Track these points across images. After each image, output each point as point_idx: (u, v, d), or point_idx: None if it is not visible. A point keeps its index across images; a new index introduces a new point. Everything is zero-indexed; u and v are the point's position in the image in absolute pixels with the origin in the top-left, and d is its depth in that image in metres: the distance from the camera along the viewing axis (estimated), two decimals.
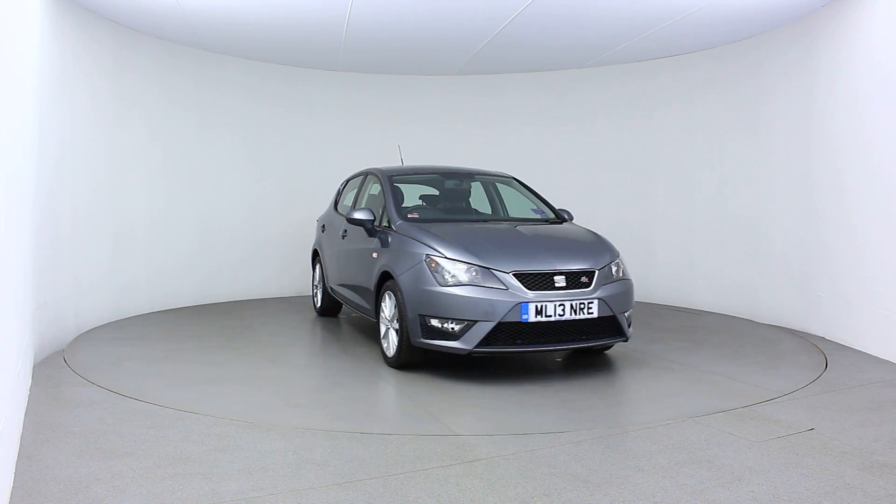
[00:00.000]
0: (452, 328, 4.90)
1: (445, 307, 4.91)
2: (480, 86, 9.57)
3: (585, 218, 8.96)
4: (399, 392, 4.84)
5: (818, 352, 5.96)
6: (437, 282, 4.99)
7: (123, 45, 7.30)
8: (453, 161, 8.65)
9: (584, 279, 5.11)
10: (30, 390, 4.60)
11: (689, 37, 7.56)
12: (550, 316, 4.88)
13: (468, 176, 6.79)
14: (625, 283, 5.39)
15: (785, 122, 7.17)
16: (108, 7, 6.64)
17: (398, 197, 6.20)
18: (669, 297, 8.64)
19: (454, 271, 4.98)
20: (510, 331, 4.87)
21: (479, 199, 6.84)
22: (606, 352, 5.91)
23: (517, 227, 5.78)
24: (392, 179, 6.40)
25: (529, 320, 4.84)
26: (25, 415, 4.09)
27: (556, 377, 5.25)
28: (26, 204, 4.47)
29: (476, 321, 4.83)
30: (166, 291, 7.91)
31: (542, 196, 6.71)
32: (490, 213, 6.69)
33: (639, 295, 8.86)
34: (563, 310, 4.91)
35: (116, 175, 7.20)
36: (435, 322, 4.95)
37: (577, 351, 5.88)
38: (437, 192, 6.74)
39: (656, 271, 8.82)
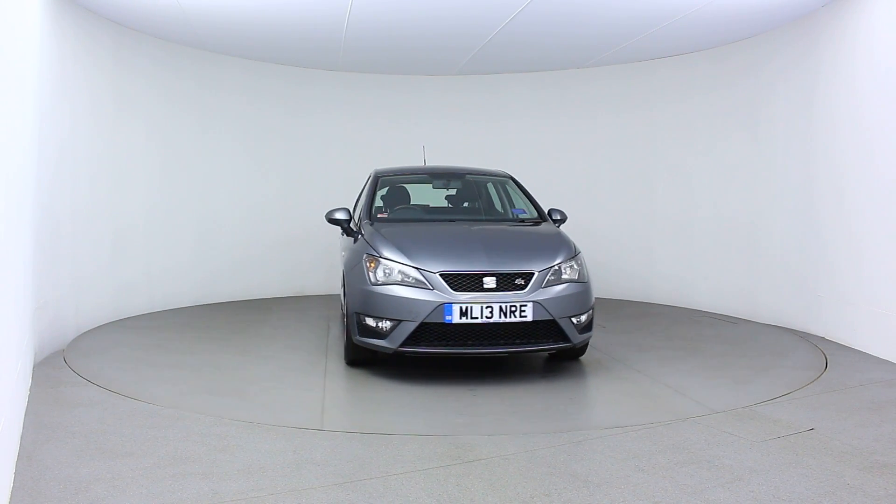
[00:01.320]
0: (383, 327, 4.89)
1: (375, 306, 4.94)
2: (480, 86, 9.57)
3: (585, 218, 8.98)
4: (320, 389, 4.89)
5: (818, 352, 5.96)
6: (370, 281, 5.02)
7: (123, 45, 7.29)
8: (453, 161, 8.64)
9: (518, 281, 4.90)
10: (30, 390, 4.60)
11: (688, 37, 7.56)
12: (477, 318, 4.75)
13: (459, 176, 6.77)
14: (577, 285, 5.13)
15: (785, 122, 7.17)
16: (108, 7, 6.64)
17: (372, 197, 6.18)
18: (669, 298, 8.64)
19: (387, 271, 4.99)
20: (436, 332, 4.81)
21: (469, 199, 6.81)
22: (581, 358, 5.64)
23: (476, 228, 5.70)
24: (379, 179, 6.43)
25: (454, 321, 4.75)
26: (25, 415, 4.09)
27: (490, 379, 5.24)
28: (26, 204, 4.47)
29: (401, 321, 4.81)
30: (166, 291, 7.91)
31: (532, 196, 6.54)
32: (471, 212, 6.57)
33: (639, 295, 8.93)
34: (492, 312, 4.77)
35: (116, 175, 7.20)
36: (369, 321, 4.97)
37: (553, 356, 5.65)
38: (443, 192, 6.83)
39: (656, 271, 8.82)
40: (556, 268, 5.09)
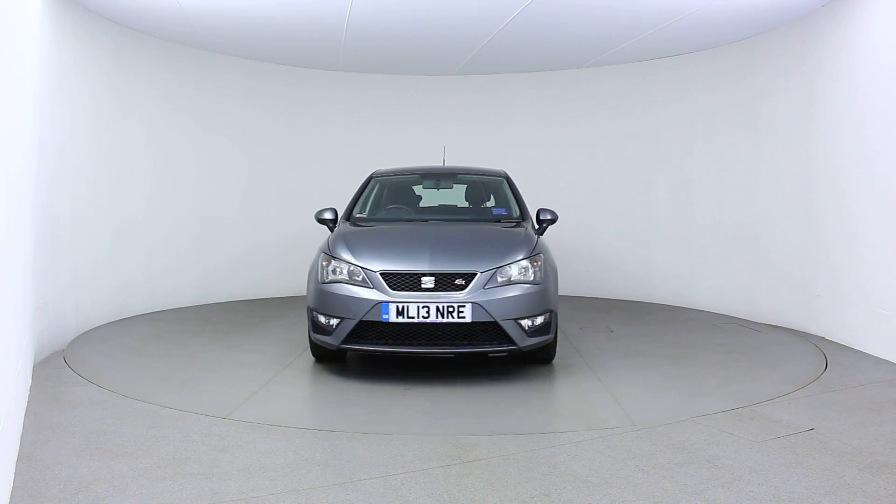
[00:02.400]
0: (331, 324, 5.00)
1: (323, 303, 5.06)
2: (480, 86, 9.57)
3: (585, 217, 8.99)
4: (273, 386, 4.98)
5: (818, 352, 5.96)
6: (320, 278, 5.15)
7: (123, 45, 7.29)
8: (453, 161, 8.64)
9: (458, 282, 4.86)
10: (30, 390, 4.60)
11: (688, 37, 7.56)
12: (413, 318, 4.77)
13: (451, 176, 6.76)
14: (529, 287, 4.98)
15: (785, 122, 7.17)
16: (108, 7, 6.64)
17: (357, 198, 6.32)
18: (669, 298, 8.64)
19: (337, 269, 5.10)
20: (375, 330, 4.87)
21: (456, 199, 6.76)
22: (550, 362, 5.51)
23: (441, 228, 5.66)
24: (372, 180, 6.56)
25: (391, 320, 4.79)
26: (25, 415, 4.09)
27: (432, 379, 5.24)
28: (26, 204, 4.47)
29: (343, 318, 4.91)
30: (166, 291, 7.91)
31: (520, 196, 6.36)
32: (454, 212, 6.47)
33: (639, 295, 8.93)
34: (429, 312, 4.76)
35: (116, 175, 7.20)
36: (321, 318, 5.08)
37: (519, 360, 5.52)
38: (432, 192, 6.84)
39: (656, 271, 8.82)
40: (506, 268, 4.99)
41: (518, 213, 6.12)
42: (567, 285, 7.59)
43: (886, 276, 5.70)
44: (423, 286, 4.84)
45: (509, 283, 4.96)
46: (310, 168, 9.25)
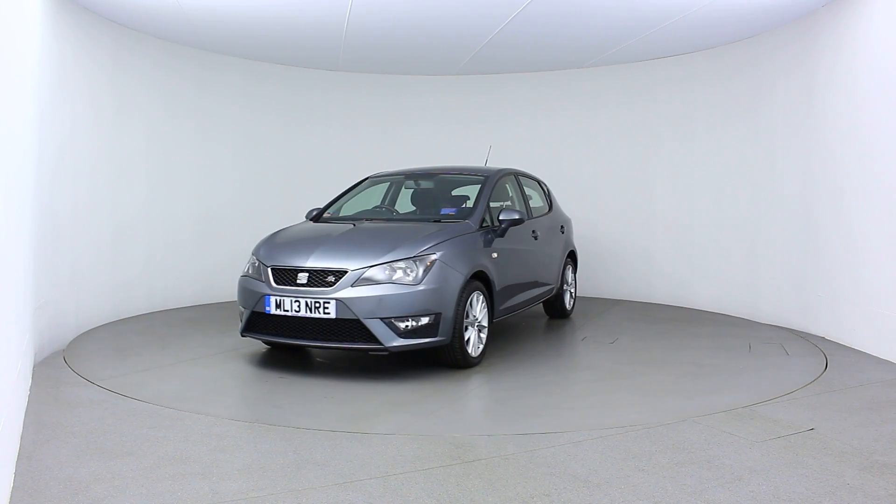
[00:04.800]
0: (241, 314, 5.45)
1: (238, 295, 5.53)
2: (481, 85, 9.57)
3: (586, 217, 8.98)
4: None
5: (818, 352, 5.96)
6: (241, 273, 5.61)
7: (123, 45, 7.29)
8: (454, 161, 8.65)
9: (329, 278, 4.98)
10: (30, 390, 4.60)
11: (688, 37, 7.56)
12: (287, 311, 5.03)
13: (432, 176, 6.78)
14: (404, 287, 4.94)
15: (785, 122, 7.17)
16: (108, 7, 6.64)
17: (335, 199, 6.66)
18: (669, 298, 8.64)
19: (252, 263, 5.52)
20: (262, 321, 5.24)
21: (429, 200, 6.71)
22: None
23: (363, 227, 5.72)
24: (367, 180, 6.88)
25: (271, 312, 5.10)
26: (25, 415, 4.09)
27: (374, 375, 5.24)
28: (26, 203, 4.47)
29: (245, 309, 5.38)
30: (166, 291, 7.91)
31: (485, 197, 6.05)
32: (415, 211, 6.46)
33: (638, 295, 8.93)
34: (300, 306, 4.98)
35: (116, 174, 7.20)
36: (239, 308, 5.53)
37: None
38: (410, 192, 6.91)
39: (656, 271, 8.82)
40: (381, 267, 4.99)
41: (477, 213, 5.84)
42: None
43: (886, 275, 5.70)
44: (297, 282, 5.09)
45: (385, 282, 4.96)
46: (309, 167, 9.25)
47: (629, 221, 8.97)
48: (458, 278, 5.16)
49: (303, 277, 5.06)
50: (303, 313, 4.97)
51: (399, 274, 5.00)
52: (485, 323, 5.50)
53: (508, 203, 6.60)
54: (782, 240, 7.22)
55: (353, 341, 4.94)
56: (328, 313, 4.91)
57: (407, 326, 4.93)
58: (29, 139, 4.58)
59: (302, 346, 5.49)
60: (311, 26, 7.23)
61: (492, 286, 5.63)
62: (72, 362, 5.37)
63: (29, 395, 4.48)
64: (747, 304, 7.70)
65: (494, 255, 5.74)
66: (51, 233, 5.81)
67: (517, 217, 5.85)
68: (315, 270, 5.06)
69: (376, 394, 4.70)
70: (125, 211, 7.35)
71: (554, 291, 7.21)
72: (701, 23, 6.97)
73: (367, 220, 6.08)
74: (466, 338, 5.26)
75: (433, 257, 5.12)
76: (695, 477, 3.27)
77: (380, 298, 4.89)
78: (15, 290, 3.60)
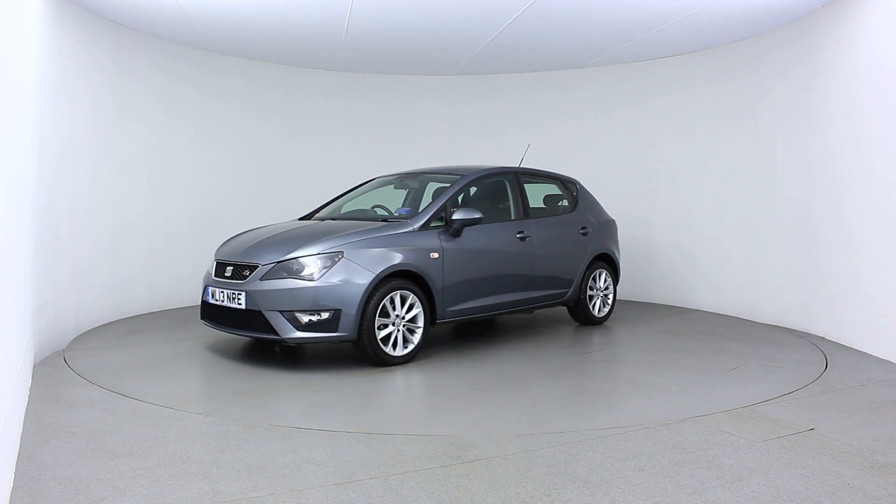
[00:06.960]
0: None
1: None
2: (481, 86, 9.58)
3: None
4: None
5: (818, 352, 5.96)
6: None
7: (123, 45, 7.29)
8: (454, 161, 8.65)
9: (245, 272, 5.40)
10: (30, 390, 4.60)
11: (689, 38, 7.56)
12: (217, 301, 5.51)
13: (414, 177, 6.89)
14: (303, 282, 5.13)
15: (785, 122, 7.17)
16: (108, 7, 6.65)
17: (332, 199, 6.90)
18: (669, 297, 8.64)
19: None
20: (207, 309, 5.70)
21: (411, 201, 6.89)
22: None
23: (320, 225, 5.92)
24: (369, 182, 7.03)
25: (210, 301, 5.60)
26: (25, 415, 4.09)
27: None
28: (26, 203, 4.47)
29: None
30: (166, 291, 7.91)
31: (453, 197, 6.02)
32: (393, 213, 6.46)
33: (638, 295, 8.93)
34: (223, 297, 5.45)
35: (116, 174, 7.20)
36: None
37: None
38: (402, 194, 7.06)
39: (656, 271, 8.82)
40: (290, 262, 5.27)
41: (425, 214, 5.85)
42: None
43: (885, 275, 5.70)
44: (225, 274, 5.55)
45: (290, 276, 5.24)
46: (309, 167, 9.25)
47: (628, 221, 8.96)
48: (366, 276, 5.24)
49: (229, 270, 5.53)
50: (226, 303, 5.43)
51: (303, 269, 5.25)
52: (420, 323, 5.51)
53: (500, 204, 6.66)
54: (782, 240, 7.22)
55: (259, 331, 5.29)
56: (240, 304, 5.31)
57: (310, 320, 5.16)
58: (29, 139, 4.58)
59: (225, 332, 5.82)
60: (312, 26, 7.23)
61: (430, 287, 5.59)
62: (72, 362, 5.37)
63: (29, 395, 4.48)
64: (747, 304, 7.70)
65: (434, 255, 5.65)
66: (51, 232, 5.81)
67: (476, 216, 5.79)
68: (237, 264, 5.50)
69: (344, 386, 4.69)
70: (125, 211, 7.35)
71: (567, 296, 6.95)
72: (701, 24, 6.97)
73: (332, 219, 6.30)
74: (383, 335, 5.30)
75: (338, 255, 5.28)
76: (695, 477, 3.27)
77: (280, 292, 5.17)
78: (15, 289, 3.60)
